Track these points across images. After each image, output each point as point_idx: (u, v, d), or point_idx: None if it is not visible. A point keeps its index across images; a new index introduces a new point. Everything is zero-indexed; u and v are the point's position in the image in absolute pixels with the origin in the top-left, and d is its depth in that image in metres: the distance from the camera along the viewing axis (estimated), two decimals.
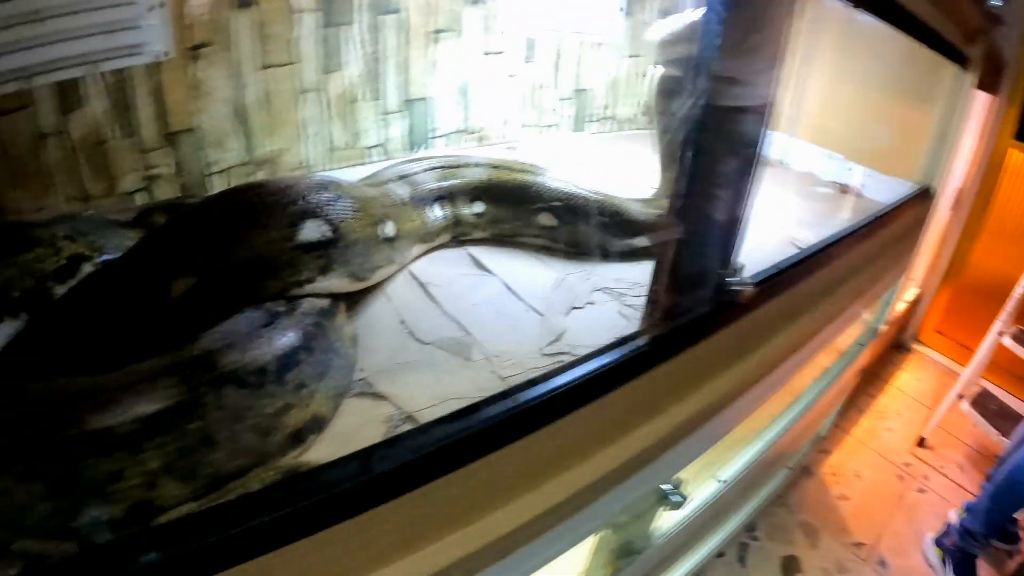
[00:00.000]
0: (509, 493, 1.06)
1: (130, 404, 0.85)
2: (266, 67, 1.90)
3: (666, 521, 1.77)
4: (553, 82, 2.61)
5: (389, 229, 1.34)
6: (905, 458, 3.61)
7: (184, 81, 1.78)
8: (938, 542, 2.92)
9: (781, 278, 1.55)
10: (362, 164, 2.16)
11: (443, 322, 1.34)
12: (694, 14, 1.74)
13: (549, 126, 2.69)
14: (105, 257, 1.25)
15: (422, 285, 1.45)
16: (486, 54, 2.36)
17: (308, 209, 1.14)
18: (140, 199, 1.81)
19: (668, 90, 1.92)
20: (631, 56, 2.84)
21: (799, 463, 3.24)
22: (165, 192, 1.85)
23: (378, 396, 1.13)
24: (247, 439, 0.94)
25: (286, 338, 1.00)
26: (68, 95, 1.64)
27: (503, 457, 1.01)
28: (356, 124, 2.14)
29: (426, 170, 1.61)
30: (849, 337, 3.00)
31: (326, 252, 1.15)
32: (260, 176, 1.98)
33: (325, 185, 1.22)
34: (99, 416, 0.83)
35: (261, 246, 1.09)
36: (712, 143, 1.19)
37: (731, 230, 1.31)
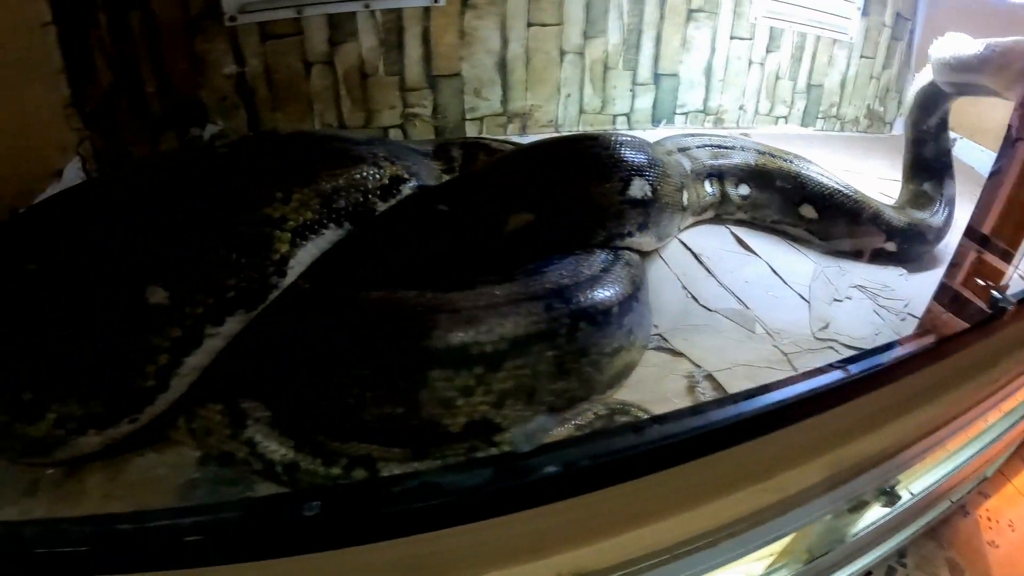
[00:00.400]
0: (795, 461, 1.13)
1: (495, 324, 0.95)
2: (532, 25, 2.02)
3: (865, 519, 1.82)
4: (790, 74, 2.62)
5: (685, 198, 1.42)
6: None
7: (454, 28, 1.92)
8: None
9: None
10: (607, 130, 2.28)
11: (721, 293, 1.42)
12: (979, 43, 1.73)
13: (780, 117, 2.71)
14: (419, 182, 1.34)
15: (695, 255, 1.53)
16: (732, 38, 2.42)
17: (636, 168, 1.23)
18: (394, 135, 1.96)
19: (928, 105, 1.91)
20: (863, 57, 2.80)
21: (959, 500, 3.18)
22: (420, 132, 1.98)
23: (674, 352, 1.22)
24: (586, 373, 1.04)
25: (625, 285, 1.10)
26: (340, 28, 1.78)
27: (797, 430, 1.08)
28: (607, 91, 2.25)
29: (700, 147, 1.68)
30: None
31: (645, 210, 1.25)
32: (514, 130, 2.12)
33: (643, 147, 1.31)
34: (459, 332, 0.94)
35: (597, 195, 1.20)
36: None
37: (1012, 250, 1.34)
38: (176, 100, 1.75)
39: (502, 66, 2.04)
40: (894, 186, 2.02)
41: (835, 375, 1.09)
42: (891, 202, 1.91)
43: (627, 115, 2.32)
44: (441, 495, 0.77)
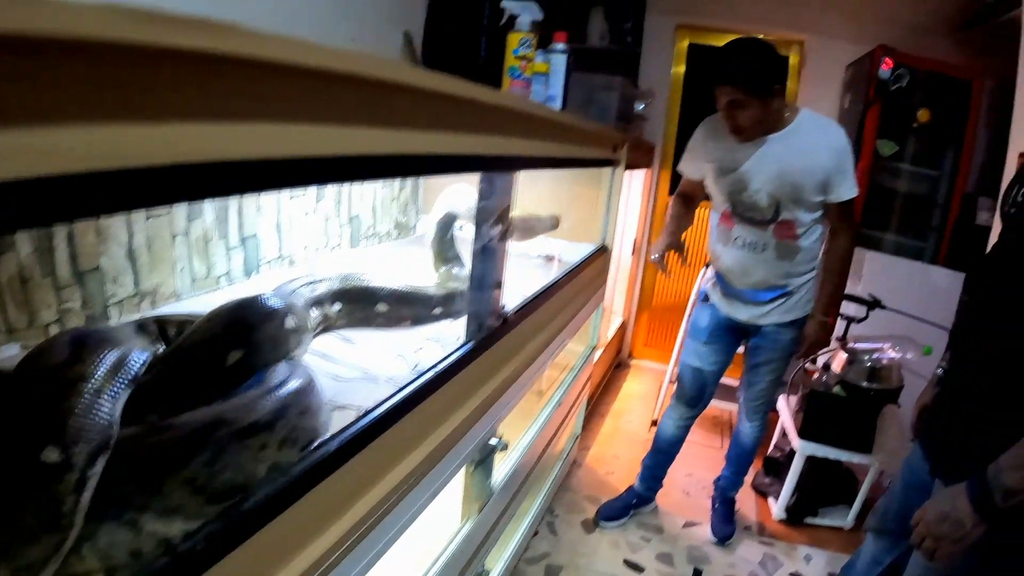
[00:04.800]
0: (433, 428, 2.25)
1: (266, 407, 1.65)
2: (149, 217, 2.66)
3: (500, 471, 3.06)
4: (336, 213, 3.86)
5: (309, 322, 2.50)
6: (646, 436, 5.38)
7: (93, 227, 2.38)
8: None
9: (524, 309, 2.95)
10: (214, 291, 3.07)
11: (347, 369, 2.51)
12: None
13: (335, 247, 3.93)
14: (144, 352, 1.76)
15: (322, 356, 2.60)
16: (291, 198, 3.53)
17: (287, 308, 2.18)
18: (54, 329, 2.29)
19: (445, 226, 3.34)
20: (384, 186, 4.21)
21: (569, 458, 4.69)
22: (74, 322, 2.37)
23: (342, 407, 2.28)
24: (323, 416, 1.97)
25: (307, 376, 2.08)
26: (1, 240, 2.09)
27: (429, 404, 2.19)
28: (209, 259, 3.03)
29: (301, 286, 2.74)
30: (573, 355, 4.53)
31: (297, 334, 2.26)
32: (146, 305, 2.72)
33: (286, 294, 2.32)
34: (253, 415, 1.61)
35: (274, 330, 2.07)
36: (488, 247, 2.56)
37: (498, 286, 2.67)
38: None
39: (130, 254, 2.54)
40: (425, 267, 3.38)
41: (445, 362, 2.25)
42: (432, 281, 3.24)
43: (227, 273, 3.09)
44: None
